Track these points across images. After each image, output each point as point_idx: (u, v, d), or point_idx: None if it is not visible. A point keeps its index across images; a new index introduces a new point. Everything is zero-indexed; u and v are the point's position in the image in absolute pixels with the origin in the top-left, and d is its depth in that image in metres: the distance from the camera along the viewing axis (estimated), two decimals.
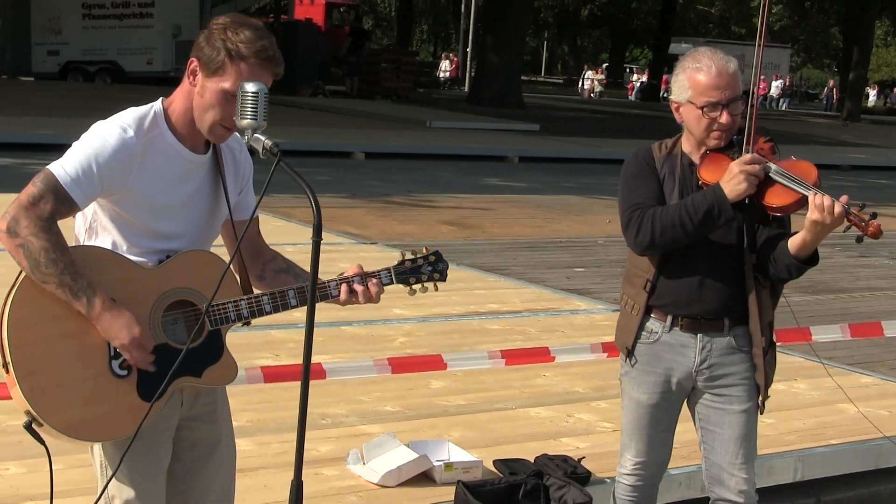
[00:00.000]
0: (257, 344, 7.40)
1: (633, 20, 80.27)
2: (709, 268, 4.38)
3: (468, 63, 59.67)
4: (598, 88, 65.33)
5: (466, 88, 52.14)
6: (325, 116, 30.35)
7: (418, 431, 6.25)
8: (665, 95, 50.63)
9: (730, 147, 4.36)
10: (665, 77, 57.24)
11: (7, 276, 3.37)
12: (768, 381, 4.49)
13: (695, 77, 4.30)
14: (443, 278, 3.94)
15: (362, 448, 5.69)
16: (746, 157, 4.25)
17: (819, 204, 4.09)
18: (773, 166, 4.24)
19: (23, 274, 3.36)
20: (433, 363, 6.73)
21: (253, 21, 3.55)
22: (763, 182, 4.24)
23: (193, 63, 3.49)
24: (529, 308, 9.85)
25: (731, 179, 4.20)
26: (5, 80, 35.33)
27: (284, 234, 12.41)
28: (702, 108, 4.28)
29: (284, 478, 5.45)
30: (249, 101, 3.37)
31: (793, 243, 4.25)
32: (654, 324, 4.48)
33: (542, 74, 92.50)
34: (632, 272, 4.54)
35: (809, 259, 4.29)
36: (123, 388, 3.43)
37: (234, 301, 3.59)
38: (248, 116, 3.37)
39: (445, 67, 63.68)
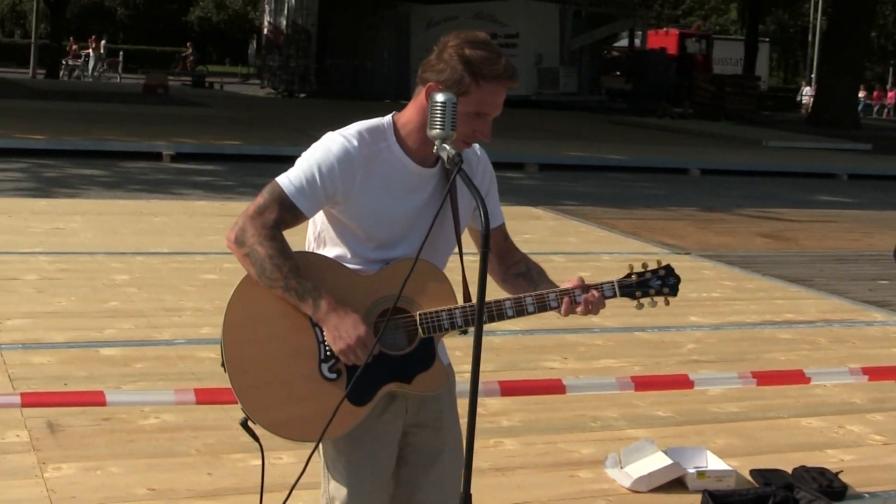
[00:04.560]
0: (549, 346, 7.06)
1: None
2: None
3: (811, 87, 57.38)
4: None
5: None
6: (668, 136, 29.46)
7: (683, 437, 5.72)
8: None
9: None
10: None
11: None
12: None
13: None
14: (673, 293, 3.39)
15: (620, 452, 5.25)
16: None
17: None
18: None
19: (241, 278, 3.17)
20: (678, 383, 6.07)
21: (481, 36, 3.18)
22: None
23: (433, 88, 3.15)
24: (825, 318, 9.02)
25: None
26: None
27: (607, 243, 12.06)
28: None
29: (541, 479, 5.12)
30: (438, 112, 3.05)
31: None
32: None
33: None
34: None
35: None
36: (332, 391, 3.15)
37: (447, 310, 3.23)
38: (437, 126, 3.06)
39: (807, 92, 60.95)
